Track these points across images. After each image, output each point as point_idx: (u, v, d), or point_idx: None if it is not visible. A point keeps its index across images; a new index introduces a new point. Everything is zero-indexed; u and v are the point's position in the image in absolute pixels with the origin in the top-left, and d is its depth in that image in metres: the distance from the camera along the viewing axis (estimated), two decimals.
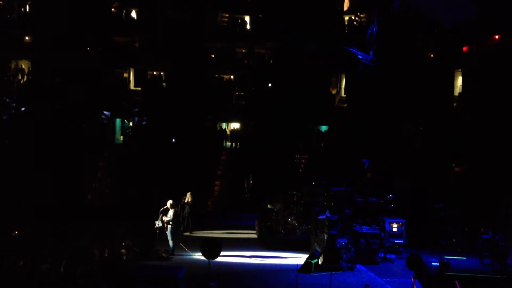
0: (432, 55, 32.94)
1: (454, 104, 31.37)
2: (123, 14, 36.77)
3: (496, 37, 26.59)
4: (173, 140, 31.26)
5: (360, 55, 18.18)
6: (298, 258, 18.18)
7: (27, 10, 36.37)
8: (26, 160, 26.73)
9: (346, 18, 37.18)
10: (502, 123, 24.09)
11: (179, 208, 21.87)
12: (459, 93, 31.72)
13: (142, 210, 21.76)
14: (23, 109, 32.51)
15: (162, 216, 18.62)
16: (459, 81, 32.10)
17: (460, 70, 31.71)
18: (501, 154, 22.98)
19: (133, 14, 36.98)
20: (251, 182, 28.30)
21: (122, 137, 34.09)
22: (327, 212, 18.38)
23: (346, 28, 36.49)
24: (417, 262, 13.56)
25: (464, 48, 29.91)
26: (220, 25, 37.16)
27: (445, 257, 16.97)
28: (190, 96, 33.10)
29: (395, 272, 17.25)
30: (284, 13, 33.12)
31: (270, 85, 35.53)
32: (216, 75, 36.87)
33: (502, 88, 24.90)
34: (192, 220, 22.91)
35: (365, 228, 18.53)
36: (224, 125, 35.68)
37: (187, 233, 22.32)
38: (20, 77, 36.11)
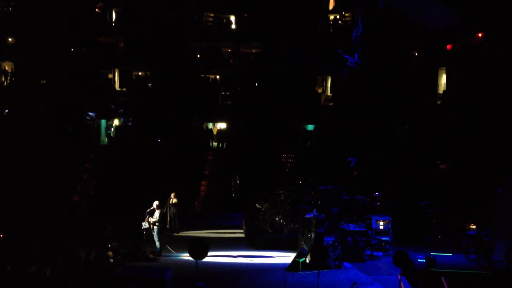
0: (416, 54, 33.19)
1: (438, 102, 31.64)
2: (108, 14, 36.55)
3: (480, 35, 26.88)
4: (159, 140, 31.01)
5: (345, 58, 18.26)
6: (285, 257, 18.20)
7: (10, 10, 35.96)
8: (10, 162, 26.51)
9: (331, 17, 37.31)
10: (486, 120, 24.35)
11: (165, 209, 21.80)
12: (443, 91, 32.00)
13: (129, 211, 21.66)
14: (6, 111, 32.22)
15: (149, 217, 18.56)
16: (443, 79, 32.37)
17: (444, 68, 31.98)
18: (485, 151, 23.22)
19: (118, 14, 36.76)
20: (238, 181, 28.29)
21: (107, 138, 33.91)
22: (314, 211, 18.43)
23: (331, 28, 36.61)
24: (404, 259, 13.65)
25: (448, 46, 30.20)
26: (205, 25, 37.09)
27: (432, 253, 17.07)
28: (176, 97, 33.01)
29: (382, 269, 17.33)
30: (269, 12, 33.17)
31: (256, 84, 35.54)
32: (202, 75, 36.79)
33: (486, 85, 25.17)
34: (179, 220, 22.86)
35: (352, 226, 18.59)
36: (210, 125, 35.62)
37: (175, 234, 22.26)
38: (3, 79, 35.76)
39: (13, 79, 35.17)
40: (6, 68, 36.53)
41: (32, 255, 15.33)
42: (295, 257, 17.21)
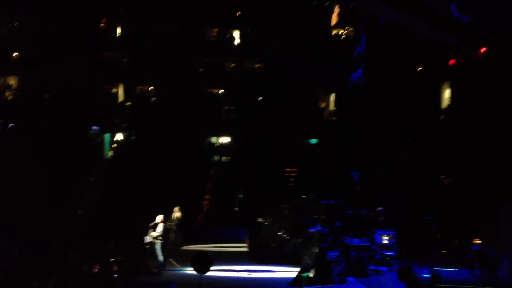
0: (419, 68, 33.23)
1: (442, 117, 31.60)
2: (112, 29, 36.78)
3: (482, 50, 26.93)
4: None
5: (349, 74, 18.34)
6: (289, 272, 18.14)
7: (15, 26, 36.17)
8: (13, 176, 26.51)
9: (334, 32, 37.43)
10: (490, 134, 24.31)
11: (168, 223, 21.74)
12: (447, 106, 31.96)
13: (132, 226, 21.61)
14: (10, 125, 32.30)
15: (152, 232, 18.53)
16: (446, 93, 32.36)
17: (447, 83, 31.99)
18: (489, 165, 23.15)
19: (122, 29, 36.97)
20: (241, 196, 28.25)
21: (111, 152, 33.92)
22: (317, 225, 18.38)
23: (334, 44, 36.70)
24: (408, 274, 13.52)
25: (451, 61, 30.21)
26: (208, 40, 37.29)
27: (436, 269, 16.99)
28: (179, 111, 33.10)
29: (386, 284, 17.23)
30: (273, 28, 33.35)
31: (259, 99, 35.63)
32: (205, 90, 36.91)
33: (489, 100, 25.17)
34: (182, 234, 22.80)
35: (356, 241, 18.51)
36: (213, 140, 35.66)
37: (178, 248, 22.19)
38: (8, 93, 35.88)
39: (18, 94, 35.30)
40: (11, 82, 36.68)
41: (34, 270, 15.28)
42: (299, 272, 17.13)
